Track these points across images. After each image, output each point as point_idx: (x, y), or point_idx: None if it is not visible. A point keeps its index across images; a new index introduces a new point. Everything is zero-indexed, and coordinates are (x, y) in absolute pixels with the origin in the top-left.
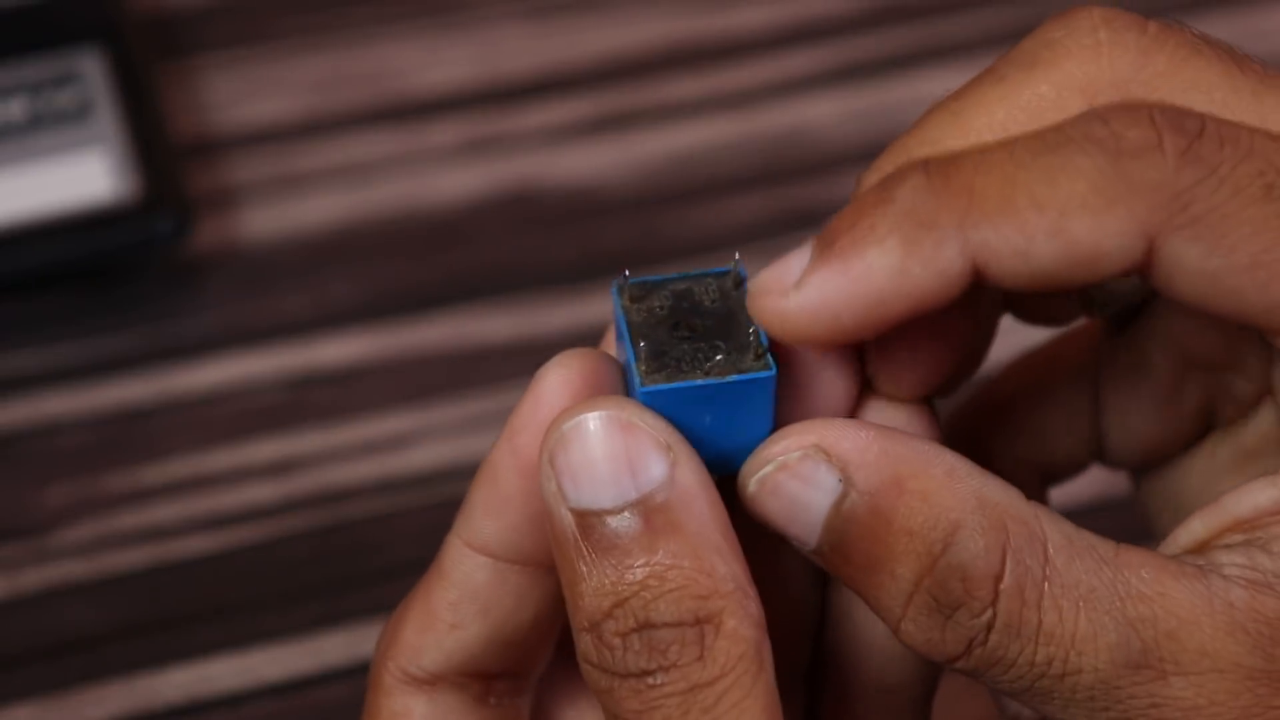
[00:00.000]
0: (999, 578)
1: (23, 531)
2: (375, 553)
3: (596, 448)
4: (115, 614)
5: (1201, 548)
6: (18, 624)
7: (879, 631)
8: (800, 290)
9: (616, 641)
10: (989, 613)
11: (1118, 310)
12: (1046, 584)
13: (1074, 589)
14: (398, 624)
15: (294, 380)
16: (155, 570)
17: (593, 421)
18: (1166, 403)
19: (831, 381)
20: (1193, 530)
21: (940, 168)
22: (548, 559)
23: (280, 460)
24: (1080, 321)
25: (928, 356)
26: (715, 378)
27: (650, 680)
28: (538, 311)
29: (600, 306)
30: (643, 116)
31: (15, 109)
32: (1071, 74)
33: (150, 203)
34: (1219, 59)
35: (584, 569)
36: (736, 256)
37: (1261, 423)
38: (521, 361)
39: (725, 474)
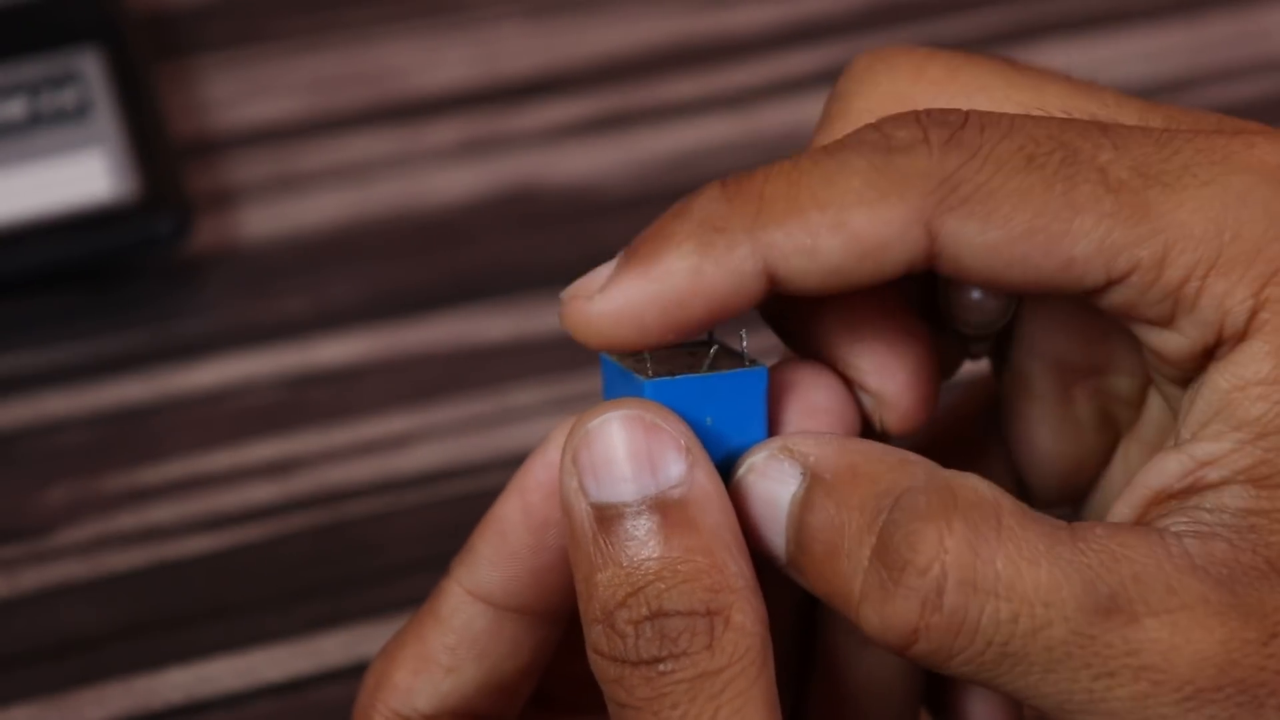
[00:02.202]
0: (944, 534)
1: (23, 531)
2: (375, 553)
3: (620, 445)
4: (115, 614)
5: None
6: (18, 624)
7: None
8: (604, 294)
9: (629, 630)
10: (937, 568)
11: (990, 344)
12: (1002, 541)
13: (1032, 546)
14: (387, 666)
15: (294, 380)
16: (155, 570)
17: (617, 420)
18: (1064, 421)
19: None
20: (1119, 514)
21: (734, 180)
22: (545, 608)
23: (280, 460)
24: (968, 371)
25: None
26: (713, 372)
27: (660, 668)
28: (538, 311)
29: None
30: (643, 116)
31: (15, 109)
32: (860, 110)
33: (150, 203)
34: (992, 63)
35: (600, 560)
36: (709, 337)
37: (1153, 414)
38: (521, 361)
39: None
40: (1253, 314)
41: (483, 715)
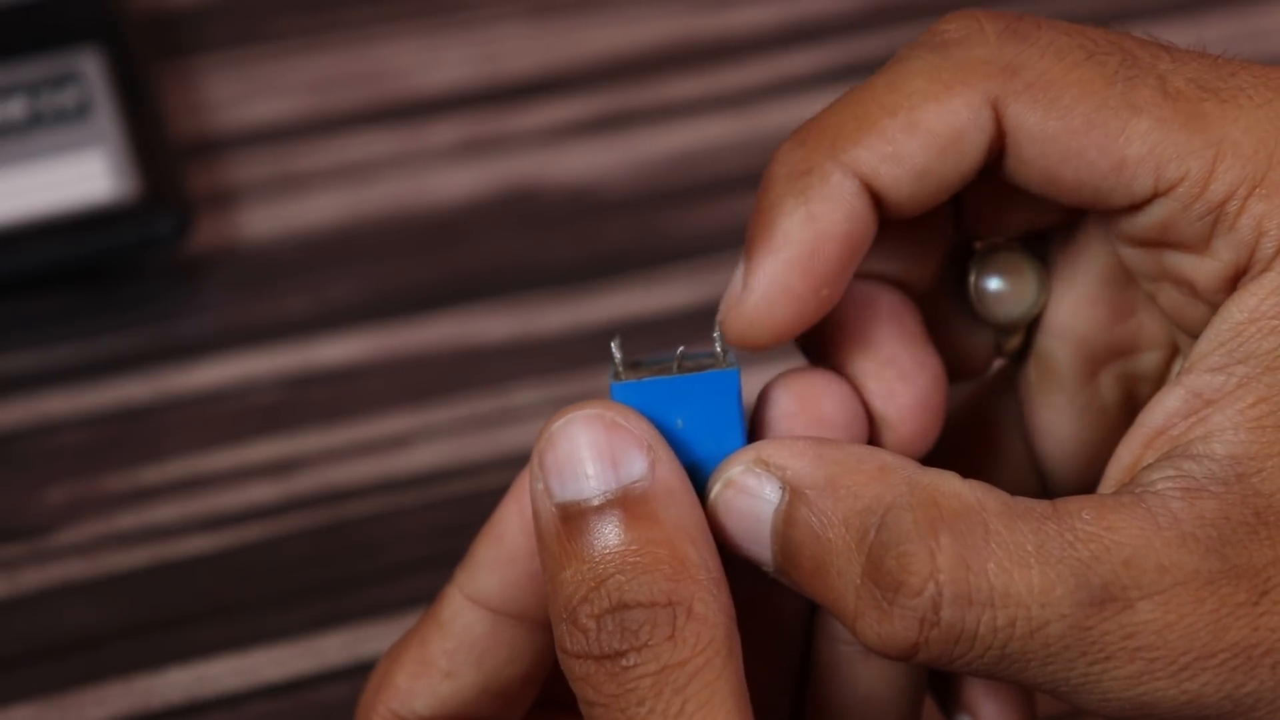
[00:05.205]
0: (934, 551)
1: (23, 531)
2: (375, 553)
3: (582, 444)
4: (115, 614)
5: (1132, 473)
6: (18, 624)
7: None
8: (748, 290)
9: (591, 624)
10: (931, 587)
11: (1022, 338)
12: (991, 549)
13: (1020, 549)
14: (389, 669)
15: (294, 380)
16: (155, 570)
17: (579, 421)
18: (1088, 408)
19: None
20: (1121, 460)
21: (801, 128)
22: (543, 614)
23: (280, 460)
24: (996, 366)
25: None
26: (682, 374)
27: (624, 662)
28: (538, 311)
29: (599, 306)
30: (643, 116)
31: (15, 109)
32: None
33: (150, 203)
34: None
35: (565, 557)
36: (716, 333)
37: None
38: (521, 361)
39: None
40: None
41: (482, 719)
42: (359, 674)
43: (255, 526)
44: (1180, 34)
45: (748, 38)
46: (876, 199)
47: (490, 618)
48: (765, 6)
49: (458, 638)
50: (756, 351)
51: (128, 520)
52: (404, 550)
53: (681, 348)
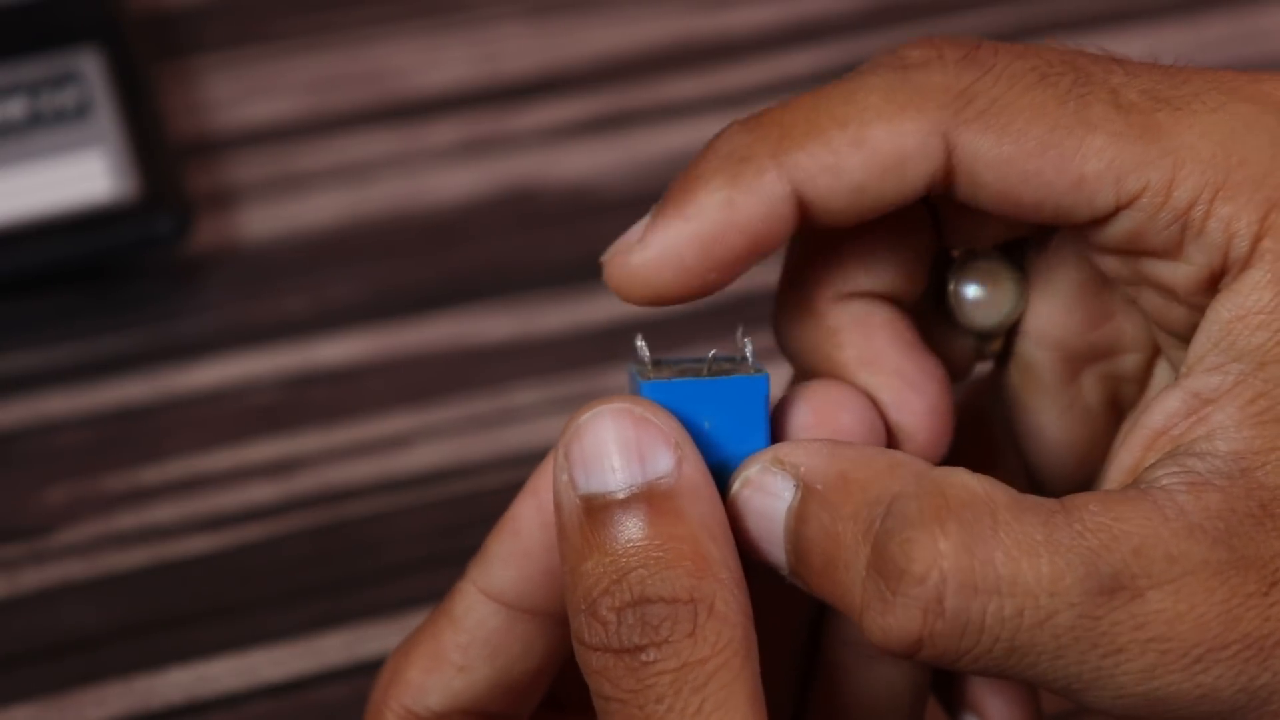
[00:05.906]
0: (939, 538)
1: (23, 531)
2: (375, 553)
3: (610, 438)
4: (115, 614)
5: (1133, 475)
6: (18, 624)
7: (867, 649)
8: (643, 243)
9: (611, 617)
10: (935, 574)
11: (1002, 342)
12: (999, 538)
13: (1029, 538)
14: (400, 664)
15: (294, 380)
16: (155, 570)
17: (607, 414)
18: (1071, 409)
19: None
20: (1121, 463)
21: (755, 115)
22: (557, 609)
23: (280, 460)
24: (979, 371)
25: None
26: (711, 377)
27: (643, 657)
28: (537, 311)
29: (599, 306)
30: (643, 116)
31: (15, 108)
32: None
33: (150, 203)
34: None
35: (586, 549)
36: (740, 332)
37: (1159, 385)
38: (521, 361)
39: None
40: (1256, 240)
41: (494, 714)
42: (359, 674)
43: (255, 526)
44: (1180, 34)
45: (748, 38)
46: (805, 207)
47: (504, 612)
48: (765, 6)
49: (471, 632)
50: (624, 303)
51: (127, 520)
52: (404, 550)
53: (714, 350)
